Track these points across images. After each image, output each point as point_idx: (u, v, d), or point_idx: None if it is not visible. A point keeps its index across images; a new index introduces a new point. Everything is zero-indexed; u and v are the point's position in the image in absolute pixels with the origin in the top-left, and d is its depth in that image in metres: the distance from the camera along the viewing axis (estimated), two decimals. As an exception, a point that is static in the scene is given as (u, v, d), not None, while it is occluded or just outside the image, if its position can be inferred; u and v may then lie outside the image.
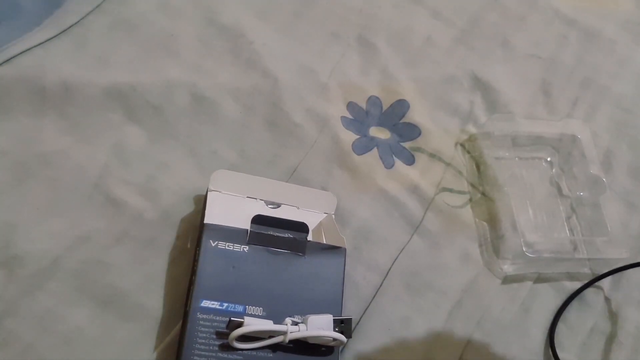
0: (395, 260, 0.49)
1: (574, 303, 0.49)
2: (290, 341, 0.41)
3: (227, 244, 0.44)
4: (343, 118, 0.54)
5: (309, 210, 0.48)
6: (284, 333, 0.41)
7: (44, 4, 0.52)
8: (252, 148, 0.51)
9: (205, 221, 0.44)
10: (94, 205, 0.46)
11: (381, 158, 0.53)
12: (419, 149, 0.54)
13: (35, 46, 0.50)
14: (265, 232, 0.45)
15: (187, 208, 0.47)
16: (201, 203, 0.47)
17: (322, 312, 0.42)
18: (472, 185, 0.53)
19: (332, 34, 0.58)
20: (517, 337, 0.48)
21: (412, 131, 0.55)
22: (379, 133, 0.54)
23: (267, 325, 0.41)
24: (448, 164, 0.54)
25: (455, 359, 0.46)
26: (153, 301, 0.44)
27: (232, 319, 0.41)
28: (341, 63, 0.57)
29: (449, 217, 0.51)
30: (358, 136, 0.53)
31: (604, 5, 0.66)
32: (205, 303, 0.42)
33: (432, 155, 0.54)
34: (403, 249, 0.49)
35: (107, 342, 0.42)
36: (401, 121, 0.55)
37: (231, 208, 0.46)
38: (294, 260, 0.45)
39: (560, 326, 0.48)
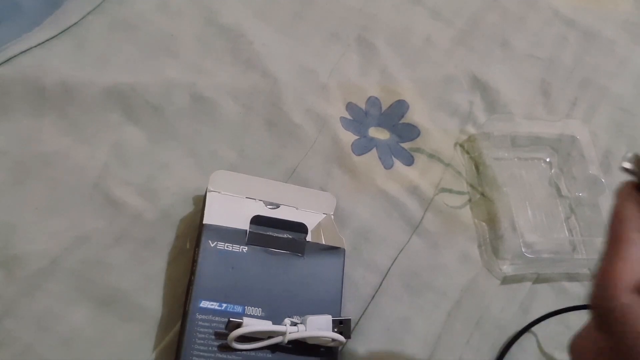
0: (395, 260, 0.49)
1: (574, 304, 0.49)
2: (289, 342, 0.41)
3: (226, 244, 0.44)
4: (342, 118, 0.54)
5: (308, 210, 0.48)
6: (283, 334, 0.41)
7: (43, 4, 0.52)
8: (251, 148, 0.51)
9: (205, 221, 0.44)
10: (94, 206, 0.46)
11: (380, 158, 0.53)
12: (418, 150, 0.54)
13: (35, 46, 0.50)
14: (265, 233, 0.45)
15: (187, 208, 0.47)
16: (200, 203, 0.47)
17: (321, 312, 0.42)
18: (472, 186, 0.53)
19: (332, 34, 0.58)
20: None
21: (411, 132, 0.55)
22: (379, 133, 0.54)
23: (266, 325, 0.41)
24: (447, 165, 0.54)
25: (455, 359, 0.46)
26: (152, 301, 0.44)
27: (231, 319, 0.40)
28: (341, 63, 0.57)
29: (448, 217, 0.51)
30: (357, 136, 0.53)
31: (603, 6, 0.66)
32: (204, 303, 0.42)
33: (431, 156, 0.54)
34: (402, 249, 0.49)
35: (106, 343, 0.42)
36: (400, 121, 0.55)
37: (230, 208, 0.46)
38: (293, 261, 0.45)
39: (560, 327, 0.48)
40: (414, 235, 0.50)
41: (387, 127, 0.55)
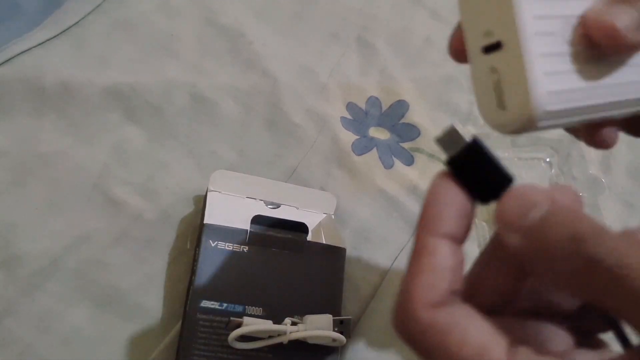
0: (395, 260, 0.49)
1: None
2: (290, 341, 0.41)
3: (227, 244, 0.44)
4: (342, 118, 0.54)
5: (308, 210, 0.48)
6: (284, 333, 0.41)
7: (43, 4, 0.52)
8: (251, 148, 0.51)
9: (205, 221, 0.44)
10: (94, 205, 0.46)
11: (380, 158, 0.53)
12: (418, 150, 0.54)
13: (35, 46, 0.50)
14: (265, 233, 0.46)
15: (187, 208, 0.47)
16: (201, 203, 0.47)
17: (321, 312, 0.42)
18: (472, 186, 0.53)
19: (332, 35, 0.58)
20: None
21: (411, 132, 0.55)
22: (379, 133, 0.54)
23: (267, 325, 0.41)
24: (447, 165, 0.54)
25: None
26: (153, 301, 0.44)
27: (231, 319, 0.40)
28: (341, 63, 0.57)
29: (448, 217, 0.51)
30: (357, 136, 0.53)
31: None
32: (205, 303, 0.42)
33: (431, 156, 0.54)
34: (402, 249, 0.49)
35: (107, 342, 0.42)
36: (400, 121, 0.55)
37: (231, 208, 0.46)
38: (294, 261, 0.45)
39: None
40: (414, 235, 0.50)
41: (387, 127, 0.55)
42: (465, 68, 0.28)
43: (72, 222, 0.45)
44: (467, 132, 0.25)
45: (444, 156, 0.26)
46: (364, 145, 0.53)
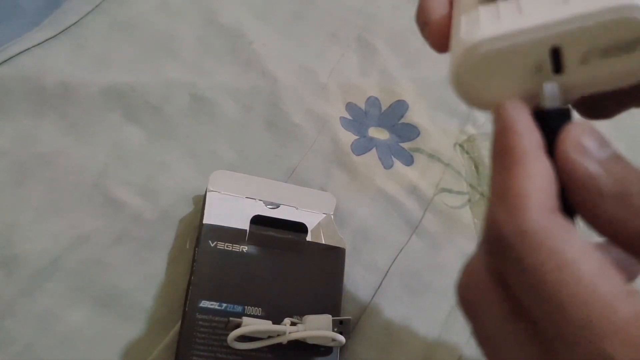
0: (395, 260, 0.49)
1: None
2: (289, 341, 0.41)
3: (226, 244, 0.44)
4: (342, 118, 0.54)
5: (308, 210, 0.48)
6: (283, 333, 0.41)
7: (43, 4, 0.52)
8: (251, 148, 0.51)
9: (204, 221, 0.44)
10: (93, 206, 0.46)
11: (380, 158, 0.53)
12: (418, 150, 0.54)
13: (34, 46, 0.50)
14: (264, 233, 0.45)
15: (186, 208, 0.47)
16: (200, 203, 0.47)
17: (321, 312, 0.42)
18: (471, 186, 0.53)
19: (332, 35, 0.58)
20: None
21: (411, 132, 0.55)
22: (378, 133, 0.54)
23: (266, 325, 0.41)
24: (447, 165, 0.54)
25: (455, 359, 0.46)
26: (152, 301, 0.44)
27: (230, 319, 0.41)
28: (340, 63, 0.57)
29: (448, 217, 0.51)
30: (357, 137, 0.53)
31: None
32: (204, 303, 0.42)
33: (431, 156, 0.54)
34: (402, 249, 0.49)
35: (106, 343, 0.42)
36: (400, 122, 0.55)
37: (230, 208, 0.46)
38: (293, 261, 0.45)
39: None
40: (414, 235, 0.50)
41: (386, 127, 0.55)
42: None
43: (71, 222, 0.45)
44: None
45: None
46: (363, 146, 0.53)
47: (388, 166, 0.53)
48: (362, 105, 0.55)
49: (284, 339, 0.41)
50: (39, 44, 0.50)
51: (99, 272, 0.44)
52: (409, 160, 0.54)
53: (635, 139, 0.59)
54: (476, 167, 0.54)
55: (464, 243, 0.51)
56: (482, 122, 0.56)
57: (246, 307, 0.43)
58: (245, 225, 0.45)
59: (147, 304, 0.44)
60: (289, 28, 0.57)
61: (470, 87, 0.23)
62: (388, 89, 0.56)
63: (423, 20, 0.27)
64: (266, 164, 0.51)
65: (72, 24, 0.52)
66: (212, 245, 0.44)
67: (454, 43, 0.23)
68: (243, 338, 0.41)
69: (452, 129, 0.56)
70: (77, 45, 0.51)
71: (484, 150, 0.54)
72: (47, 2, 0.52)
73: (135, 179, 0.48)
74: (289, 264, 0.45)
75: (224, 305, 0.42)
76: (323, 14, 0.59)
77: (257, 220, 0.46)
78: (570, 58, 0.21)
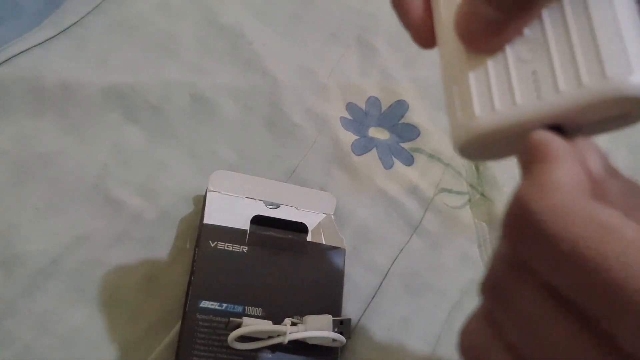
0: (395, 260, 0.49)
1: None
2: (290, 342, 0.41)
3: (226, 244, 0.44)
4: (342, 118, 0.54)
5: (308, 210, 0.48)
6: (283, 333, 0.41)
7: (43, 4, 0.52)
8: (251, 148, 0.51)
9: (205, 221, 0.44)
10: (93, 206, 0.46)
11: (380, 158, 0.53)
12: (418, 150, 0.54)
13: (34, 46, 0.50)
14: (265, 233, 0.45)
15: (187, 208, 0.47)
16: (200, 203, 0.47)
17: (321, 312, 0.42)
18: (471, 186, 0.53)
19: (332, 35, 0.58)
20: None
21: (411, 132, 0.55)
22: (378, 133, 0.54)
23: (266, 325, 0.41)
24: (447, 165, 0.54)
25: (455, 359, 0.46)
26: (152, 301, 0.44)
27: (231, 319, 0.40)
28: (340, 64, 0.57)
29: (448, 217, 0.51)
30: (357, 137, 0.53)
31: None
32: (204, 303, 0.42)
33: (431, 156, 0.54)
34: (402, 249, 0.49)
35: (106, 343, 0.42)
36: (400, 122, 0.55)
37: (230, 208, 0.46)
38: (293, 261, 0.45)
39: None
40: (414, 235, 0.50)
41: (387, 127, 0.55)
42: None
43: (71, 222, 0.45)
44: None
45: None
46: (363, 146, 0.53)
47: (388, 166, 0.53)
48: (362, 105, 0.55)
49: (284, 340, 0.41)
50: (39, 44, 0.50)
51: (99, 272, 0.44)
52: (409, 160, 0.54)
53: (635, 142, 0.58)
54: (476, 167, 0.54)
55: (464, 243, 0.51)
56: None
57: (246, 307, 0.42)
58: (245, 225, 0.45)
59: (147, 304, 0.44)
60: (289, 28, 0.57)
61: (474, 156, 0.24)
62: (388, 89, 0.56)
63: (401, 14, 0.27)
64: (266, 164, 0.51)
65: (72, 24, 0.52)
66: (212, 245, 0.44)
67: (451, 119, 0.24)
68: (243, 338, 0.41)
69: (452, 129, 0.56)
70: (77, 46, 0.51)
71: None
72: (47, 2, 0.52)
73: (135, 179, 0.47)
74: (289, 264, 0.45)
75: (224, 305, 0.42)
76: (323, 14, 0.59)
77: (258, 221, 0.46)
78: (566, 128, 0.22)
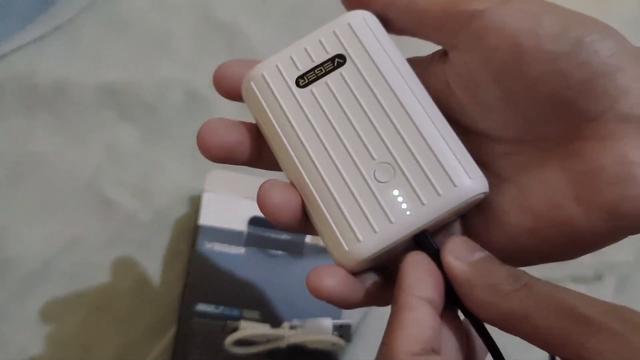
0: (395, 262, 0.48)
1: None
2: (288, 346, 0.41)
3: (223, 245, 0.44)
4: (342, 117, 0.53)
5: (307, 211, 0.47)
6: (282, 337, 0.40)
7: (36, 1, 0.52)
8: (248, 147, 0.51)
9: (201, 222, 0.44)
10: (87, 206, 0.46)
11: (381, 158, 0.52)
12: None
13: (27, 44, 0.50)
14: (262, 234, 0.45)
15: (182, 209, 0.47)
16: (196, 204, 0.46)
17: (320, 315, 0.42)
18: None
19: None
20: (519, 340, 0.47)
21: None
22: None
23: (264, 329, 0.41)
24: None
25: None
26: (147, 304, 0.43)
27: (228, 322, 0.41)
28: (339, 61, 0.56)
29: (450, 217, 0.51)
30: (357, 135, 0.53)
31: (607, 5, 0.65)
32: (201, 306, 0.42)
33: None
34: (403, 250, 0.49)
35: (100, 346, 0.42)
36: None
37: (227, 209, 0.45)
38: (292, 262, 0.45)
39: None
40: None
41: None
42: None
43: (64, 224, 0.45)
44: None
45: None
46: (363, 144, 0.53)
47: (389, 165, 0.52)
48: (362, 104, 0.55)
49: (282, 343, 0.40)
50: (31, 42, 0.50)
51: (92, 274, 0.44)
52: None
53: None
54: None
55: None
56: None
57: (244, 310, 0.42)
58: (242, 226, 0.45)
59: (142, 307, 0.43)
60: (287, 24, 0.57)
61: (360, 270, 0.28)
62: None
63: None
64: (264, 164, 0.50)
65: (66, 22, 0.52)
66: (208, 246, 0.43)
67: (334, 247, 0.27)
68: (240, 342, 0.40)
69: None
70: (71, 43, 0.51)
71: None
72: (39, -1, 0.52)
73: (129, 179, 0.47)
74: (288, 266, 0.44)
75: (221, 308, 0.42)
76: (321, 10, 0.58)
77: (255, 221, 0.45)
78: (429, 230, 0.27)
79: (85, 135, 0.48)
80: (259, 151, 0.29)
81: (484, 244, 0.27)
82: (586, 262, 0.51)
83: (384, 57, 0.28)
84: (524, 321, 0.24)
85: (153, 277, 0.44)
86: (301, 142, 0.27)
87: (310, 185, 0.27)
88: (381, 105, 0.27)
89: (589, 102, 0.24)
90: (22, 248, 0.44)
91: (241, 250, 0.44)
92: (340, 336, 0.41)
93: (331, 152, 0.26)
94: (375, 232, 0.26)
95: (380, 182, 0.26)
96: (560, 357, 0.24)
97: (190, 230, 0.46)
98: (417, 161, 0.26)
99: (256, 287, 0.43)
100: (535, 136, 0.26)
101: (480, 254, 0.26)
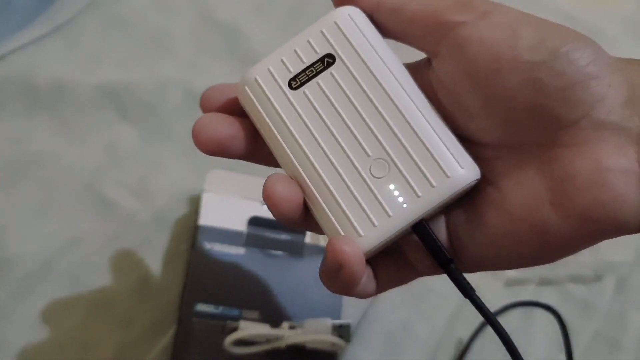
0: (395, 262, 0.48)
1: (578, 306, 0.49)
2: (288, 346, 0.41)
3: (223, 245, 0.44)
4: (341, 117, 0.53)
5: (306, 211, 0.47)
6: (281, 337, 0.40)
7: (36, 1, 0.52)
8: (248, 147, 0.50)
9: (200, 222, 0.44)
10: (86, 207, 0.46)
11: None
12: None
13: (27, 44, 0.50)
14: (262, 234, 0.45)
15: (182, 209, 0.47)
16: (196, 204, 0.46)
17: (320, 315, 0.42)
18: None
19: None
20: (520, 341, 0.47)
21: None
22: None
23: (264, 329, 0.41)
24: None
25: (457, 363, 0.46)
26: (147, 304, 0.43)
27: (227, 322, 0.40)
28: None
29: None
30: (357, 135, 0.53)
31: (607, 4, 0.65)
32: (200, 306, 0.42)
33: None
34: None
35: (100, 346, 0.42)
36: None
37: (227, 209, 0.45)
38: (292, 263, 0.44)
39: (560, 329, 0.48)
40: None
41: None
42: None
43: (64, 224, 0.45)
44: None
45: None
46: (363, 145, 0.53)
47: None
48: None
49: (282, 343, 0.40)
50: (31, 42, 0.50)
51: (92, 274, 0.44)
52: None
53: None
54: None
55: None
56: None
57: (243, 310, 0.42)
58: (242, 226, 0.45)
59: (141, 307, 0.43)
60: (287, 23, 0.57)
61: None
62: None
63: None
64: (263, 164, 0.50)
65: (66, 21, 0.52)
66: (208, 247, 0.43)
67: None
68: (240, 342, 0.40)
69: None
70: (70, 43, 0.51)
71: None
72: (39, -1, 0.52)
73: (129, 179, 0.47)
74: (288, 266, 0.44)
75: (221, 308, 0.42)
76: (321, 10, 0.57)
77: (255, 222, 0.45)
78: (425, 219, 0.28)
79: (85, 135, 0.48)
80: (254, 146, 0.30)
81: (466, 244, 0.28)
82: (586, 262, 0.50)
83: (371, 53, 0.28)
84: None
85: (153, 277, 0.44)
86: (298, 143, 0.28)
87: (310, 184, 0.27)
88: (372, 102, 0.27)
89: (565, 109, 0.25)
90: (21, 248, 0.43)
91: (241, 250, 0.44)
92: (340, 336, 0.41)
93: (328, 152, 0.27)
94: (375, 226, 0.27)
95: (376, 177, 0.27)
96: None
97: (190, 230, 0.45)
98: (410, 155, 0.27)
99: (256, 287, 0.43)
100: (516, 142, 0.27)
101: None
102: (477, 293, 0.49)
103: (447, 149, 0.27)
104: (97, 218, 0.45)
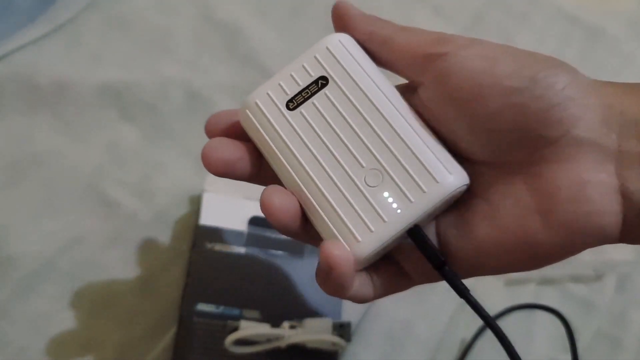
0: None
1: (579, 305, 0.49)
2: (288, 345, 0.41)
3: (223, 245, 0.44)
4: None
5: (307, 210, 0.47)
6: (282, 337, 0.40)
7: (37, 1, 0.52)
8: (249, 147, 0.50)
9: (201, 222, 0.44)
10: (88, 206, 0.46)
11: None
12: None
13: (28, 43, 0.50)
14: (262, 234, 0.45)
15: (183, 209, 0.47)
16: (196, 204, 0.46)
17: (320, 315, 0.42)
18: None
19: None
20: (520, 340, 0.47)
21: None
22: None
23: (264, 329, 0.41)
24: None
25: (457, 363, 0.46)
26: (148, 304, 0.43)
27: (228, 322, 0.40)
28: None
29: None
30: (357, 135, 0.53)
31: (608, 3, 0.65)
32: (201, 306, 0.42)
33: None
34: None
35: (101, 345, 0.42)
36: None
37: (227, 209, 0.45)
38: (292, 262, 0.44)
39: (562, 329, 0.48)
40: None
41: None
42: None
43: (65, 223, 0.45)
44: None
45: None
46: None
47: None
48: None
49: (282, 343, 0.40)
50: (33, 41, 0.50)
51: (93, 273, 0.44)
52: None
53: None
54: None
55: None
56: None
57: (244, 310, 0.42)
58: (242, 226, 0.45)
59: (142, 307, 0.43)
60: (287, 23, 0.57)
61: (363, 266, 0.30)
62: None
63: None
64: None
65: (67, 21, 0.52)
66: (208, 246, 0.43)
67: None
68: (241, 342, 0.40)
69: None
70: (72, 43, 0.51)
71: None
72: (40, -2, 0.52)
73: (130, 179, 0.47)
74: (288, 266, 0.44)
75: (221, 308, 0.42)
76: (322, 9, 0.58)
77: (255, 222, 0.45)
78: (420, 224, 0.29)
79: (86, 135, 0.48)
80: (258, 168, 0.31)
81: (455, 252, 0.29)
82: (587, 261, 0.50)
83: (361, 73, 0.30)
84: None
85: (153, 276, 0.44)
86: (297, 158, 0.29)
87: (309, 196, 0.29)
88: (364, 117, 0.29)
89: (546, 129, 0.26)
90: (23, 247, 0.44)
91: (241, 250, 0.44)
92: (340, 336, 0.41)
93: (325, 165, 0.29)
94: (371, 231, 0.28)
95: (371, 186, 0.29)
96: None
97: (190, 230, 0.45)
98: (401, 164, 0.28)
99: (256, 287, 0.43)
100: (503, 160, 0.28)
101: None
102: (478, 293, 0.49)
103: (436, 157, 0.28)
104: (99, 217, 0.45)
